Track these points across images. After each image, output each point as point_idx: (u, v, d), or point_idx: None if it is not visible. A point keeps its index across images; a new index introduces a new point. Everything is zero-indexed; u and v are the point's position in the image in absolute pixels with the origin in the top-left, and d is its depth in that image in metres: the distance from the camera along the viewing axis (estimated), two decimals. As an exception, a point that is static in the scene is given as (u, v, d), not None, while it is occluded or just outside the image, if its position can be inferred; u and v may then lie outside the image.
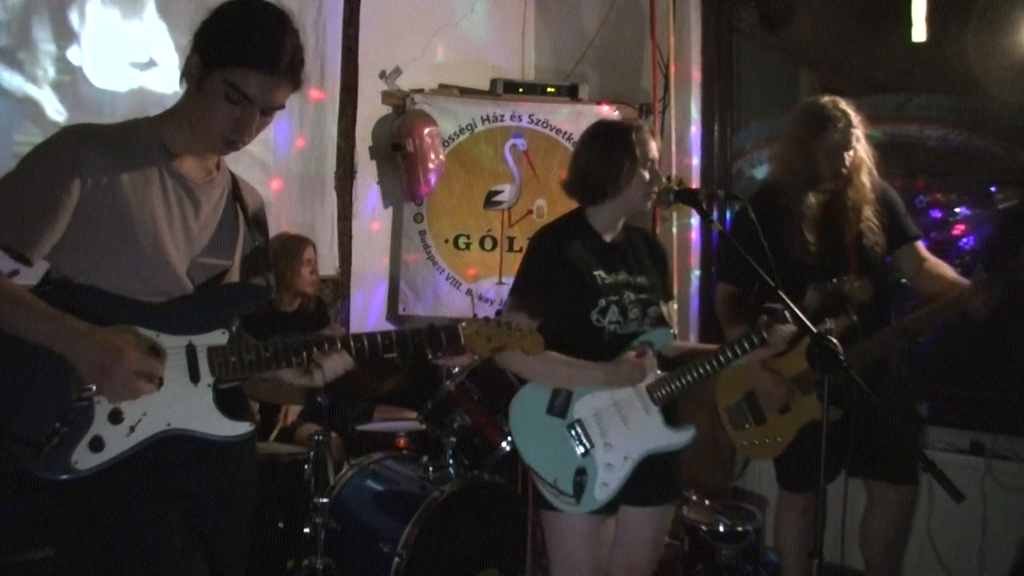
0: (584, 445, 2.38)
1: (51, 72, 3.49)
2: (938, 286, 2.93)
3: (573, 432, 2.38)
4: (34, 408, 1.70)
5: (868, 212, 2.94)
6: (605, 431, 2.38)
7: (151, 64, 3.77)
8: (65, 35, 3.52)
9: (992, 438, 3.57)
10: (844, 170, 2.90)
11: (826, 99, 2.94)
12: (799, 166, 2.94)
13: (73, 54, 3.55)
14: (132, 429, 1.76)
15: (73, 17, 3.54)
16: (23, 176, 1.76)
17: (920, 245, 3.05)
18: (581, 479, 2.35)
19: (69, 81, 3.54)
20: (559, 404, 2.39)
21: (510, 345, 2.05)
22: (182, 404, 1.80)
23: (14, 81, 3.41)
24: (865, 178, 2.94)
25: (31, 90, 3.45)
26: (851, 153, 2.90)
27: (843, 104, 2.91)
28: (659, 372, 2.44)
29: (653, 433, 2.41)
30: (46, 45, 3.48)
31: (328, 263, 4.38)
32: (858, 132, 2.91)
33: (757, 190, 3.21)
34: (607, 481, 2.37)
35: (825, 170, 2.91)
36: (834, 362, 2.06)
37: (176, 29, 3.80)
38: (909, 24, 3.91)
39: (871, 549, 3.12)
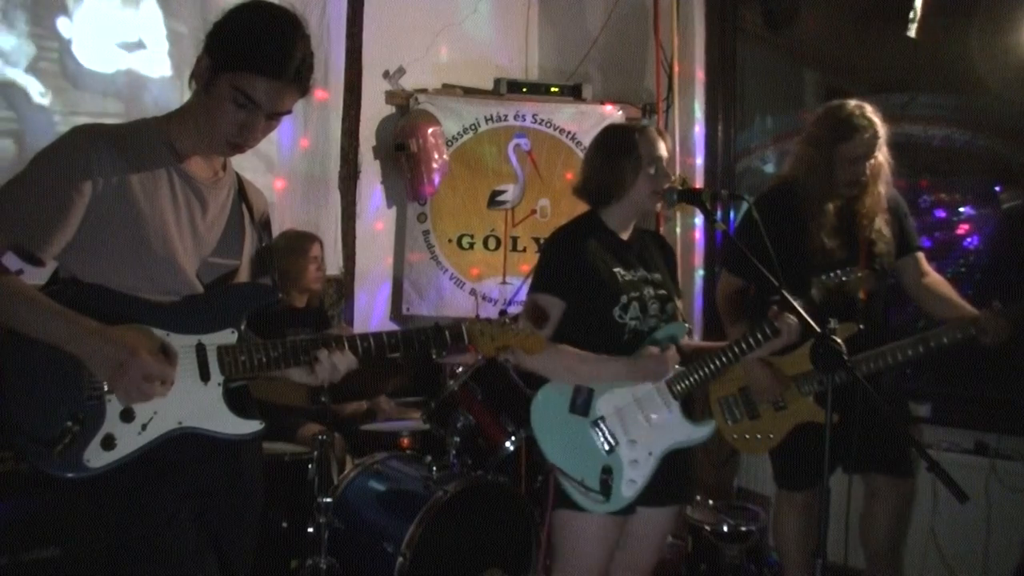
0: (609, 443, 2.38)
1: (38, 52, 3.48)
2: (940, 305, 2.98)
3: (597, 430, 2.38)
4: (46, 407, 1.71)
5: (880, 220, 2.94)
6: (628, 428, 2.39)
7: (140, 46, 3.76)
8: (55, 14, 3.51)
9: (996, 438, 3.56)
10: (863, 178, 2.89)
11: (853, 105, 2.89)
12: (818, 169, 2.92)
13: (64, 30, 3.53)
14: (143, 427, 1.77)
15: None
16: (34, 176, 1.77)
17: (922, 258, 3.07)
18: (607, 477, 2.35)
19: (56, 60, 3.53)
20: (581, 403, 2.38)
21: (513, 344, 2.07)
22: (193, 403, 1.81)
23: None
24: (882, 187, 2.93)
25: (13, 72, 3.44)
26: (872, 162, 2.88)
27: (869, 111, 2.88)
28: (676, 367, 2.46)
29: (675, 428, 2.43)
30: (33, 25, 3.47)
31: (332, 263, 4.39)
32: (881, 141, 2.88)
33: (771, 186, 3.20)
34: (634, 478, 2.38)
35: (844, 176, 2.90)
36: (838, 361, 2.07)
37: (173, 17, 3.80)
38: (909, 19, 3.90)
39: (873, 543, 3.12)
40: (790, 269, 2.48)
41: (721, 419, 3.06)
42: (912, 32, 3.80)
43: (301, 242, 3.94)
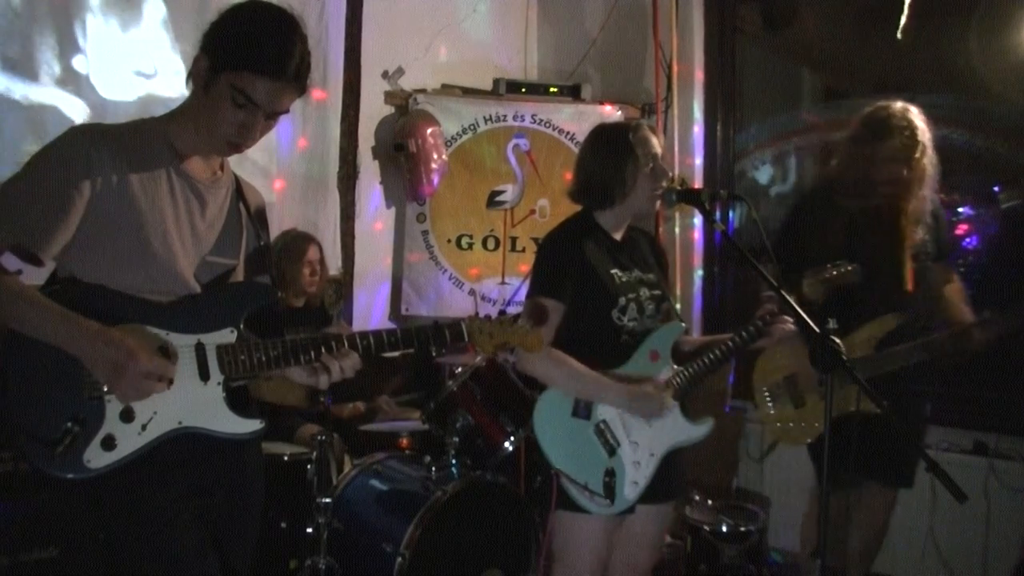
0: (611, 445, 2.38)
1: (58, 82, 3.50)
2: (950, 316, 2.98)
3: (599, 433, 2.39)
4: (47, 407, 1.71)
5: (924, 225, 2.94)
6: (629, 430, 2.40)
7: (156, 74, 3.78)
8: (70, 45, 3.53)
9: (995, 438, 3.57)
10: (901, 179, 2.88)
11: (897, 106, 2.89)
12: (856, 167, 2.93)
13: (79, 64, 3.55)
14: (144, 427, 1.76)
15: (78, 28, 3.54)
16: (33, 176, 1.77)
17: (950, 266, 3.09)
18: (610, 480, 2.36)
19: (75, 91, 3.54)
20: (583, 407, 2.39)
21: (512, 342, 2.07)
22: (193, 402, 1.81)
23: (21, 91, 3.41)
24: (926, 191, 2.92)
25: (38, 99, 3.45)
26: (911, 163, 2.86)
27: (913, 114, 2.87)
28: (673, 367, 2.46)
29: (674, 427, 2.44)
30: (52, 55, 3.48)
31: (331, 263, 4.39)
32: (924, 143, 2.86)
33: (815, 184, 3.23)
34: (636, 480, 2.39)
35: (882, 176, 2.89)
36: (837, 362, 2.07)
37: (181, 38, 3.81)
38: (912, 24, 3.91)
39: (855, 545, 3.08)
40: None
41: (765, 407, 3.04)
42: (899, 32, 3.82)
43: (297, 244, 3.94)
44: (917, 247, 2.95)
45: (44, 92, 3.47)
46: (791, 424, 3.00)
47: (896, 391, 2.90)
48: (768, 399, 3.03)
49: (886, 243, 2.91)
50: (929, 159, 2.90)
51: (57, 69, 3.50)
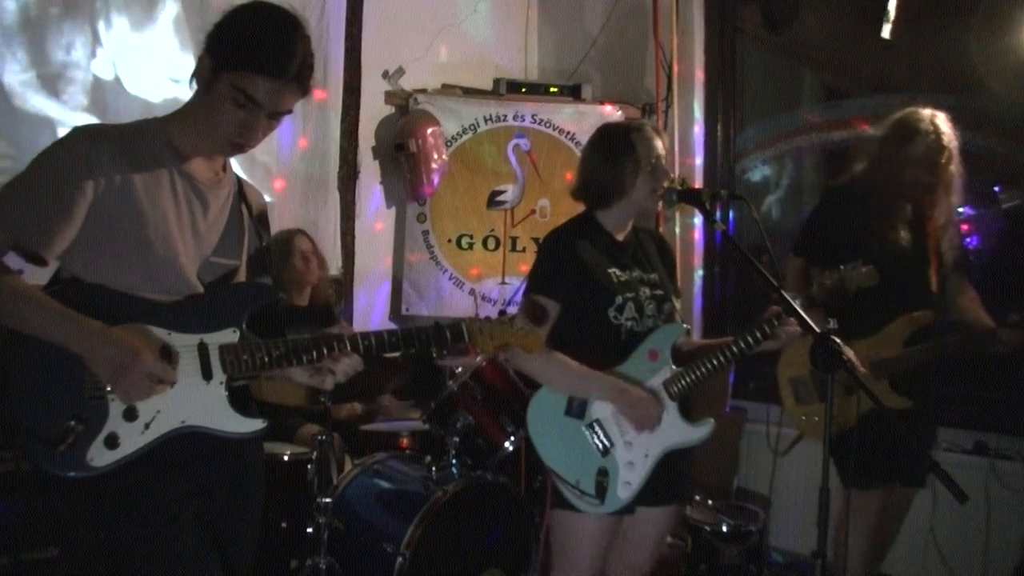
0: (604, 445, 2.38)
1: (82, 98, 3.53)
2: (968, 320, 3.02)
3: (592, 433, 2.38)
4: (49, 406, 1.71)
5: (946, 232, 2.97)
6: (624, 430, 2.39)
7: (178, 82, 3.80)
8: (94, 55, 3.56)
9: (996, 438, 3.57)
10: (926, 184, 2.91)
11: (926, 112, 2.93)
12: (882, 169, 2.96)
13: (102, 72, 3.58)
14: (147, 426, 1.77)
15: (102, 33, 3.56)
16: (37, 176, 1.77)
17: (964, 275, 3.12)
18: (602, 479, 2.35)
19: (99, 104, 3.58)
20: (577, 406, 2.38)
21: (512, 343, 2.07)
22: (196, 402, 1.81)
23: (44, 106, 3.44)
24: (954, 198, 2.96)
25: (61, 115, 3.48)
26: (937, 169, 2.89)
27: (941, 120, 2.90)
28: (673, 367, 2.44)
29: (672, 429, 2.42)
30: (77, 71, 3.51)
31: (332, 263, 4.39)
32: (950, 150, 2.89)
33: (844, 182, 3.20)
34: (629, 480, 2.38)
35: (907, 180, 2.92)
36: (837, 362, 2.07)
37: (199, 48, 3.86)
38: (911, 24, 3.91)
39: (857, 551, 3.05)
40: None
41: (791, 400, 3.04)
42: (886, 33, 3.84)
43: (284, 239, 3.93)
44: (940, 251, 2.97)
45: (69, 107, 3.50)
46: (816, 418, 2.98)
47: (921, 391, 2.91)
48: (793, 392, 3.03)
49: (912, 244, 2.93)
50: (956, 166, 2.92)
51: (82, 84, 3.53)
